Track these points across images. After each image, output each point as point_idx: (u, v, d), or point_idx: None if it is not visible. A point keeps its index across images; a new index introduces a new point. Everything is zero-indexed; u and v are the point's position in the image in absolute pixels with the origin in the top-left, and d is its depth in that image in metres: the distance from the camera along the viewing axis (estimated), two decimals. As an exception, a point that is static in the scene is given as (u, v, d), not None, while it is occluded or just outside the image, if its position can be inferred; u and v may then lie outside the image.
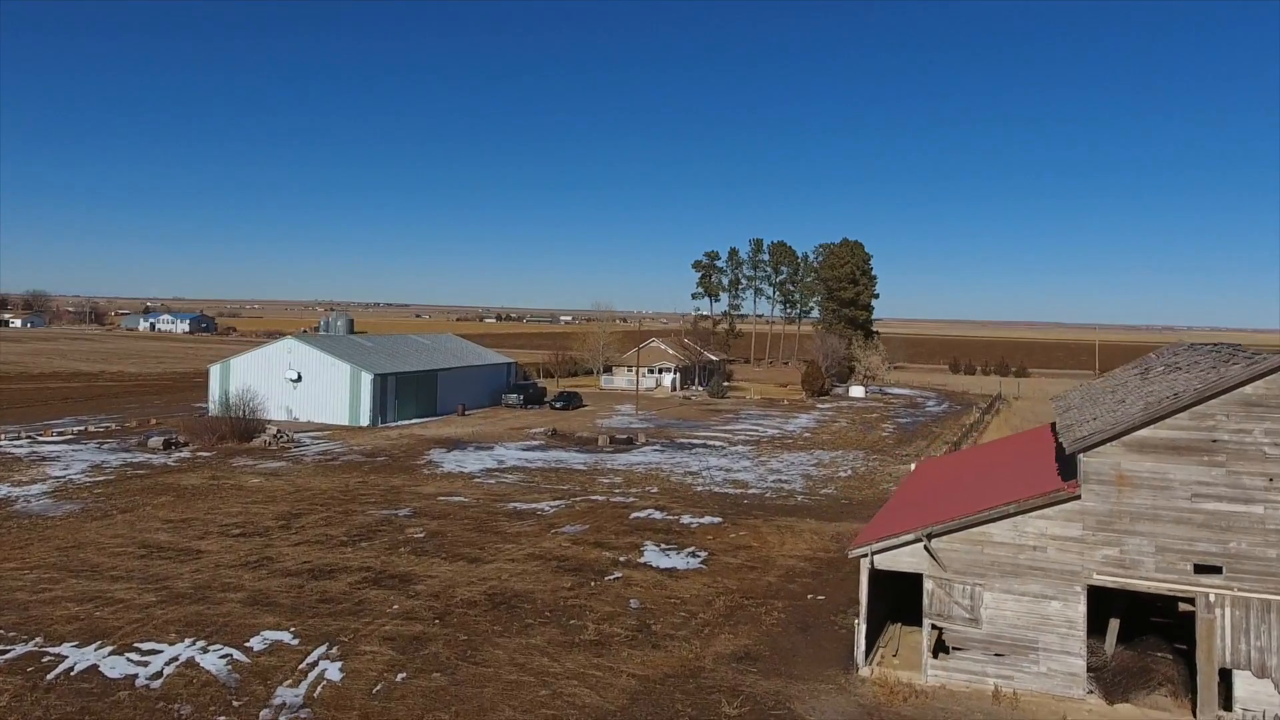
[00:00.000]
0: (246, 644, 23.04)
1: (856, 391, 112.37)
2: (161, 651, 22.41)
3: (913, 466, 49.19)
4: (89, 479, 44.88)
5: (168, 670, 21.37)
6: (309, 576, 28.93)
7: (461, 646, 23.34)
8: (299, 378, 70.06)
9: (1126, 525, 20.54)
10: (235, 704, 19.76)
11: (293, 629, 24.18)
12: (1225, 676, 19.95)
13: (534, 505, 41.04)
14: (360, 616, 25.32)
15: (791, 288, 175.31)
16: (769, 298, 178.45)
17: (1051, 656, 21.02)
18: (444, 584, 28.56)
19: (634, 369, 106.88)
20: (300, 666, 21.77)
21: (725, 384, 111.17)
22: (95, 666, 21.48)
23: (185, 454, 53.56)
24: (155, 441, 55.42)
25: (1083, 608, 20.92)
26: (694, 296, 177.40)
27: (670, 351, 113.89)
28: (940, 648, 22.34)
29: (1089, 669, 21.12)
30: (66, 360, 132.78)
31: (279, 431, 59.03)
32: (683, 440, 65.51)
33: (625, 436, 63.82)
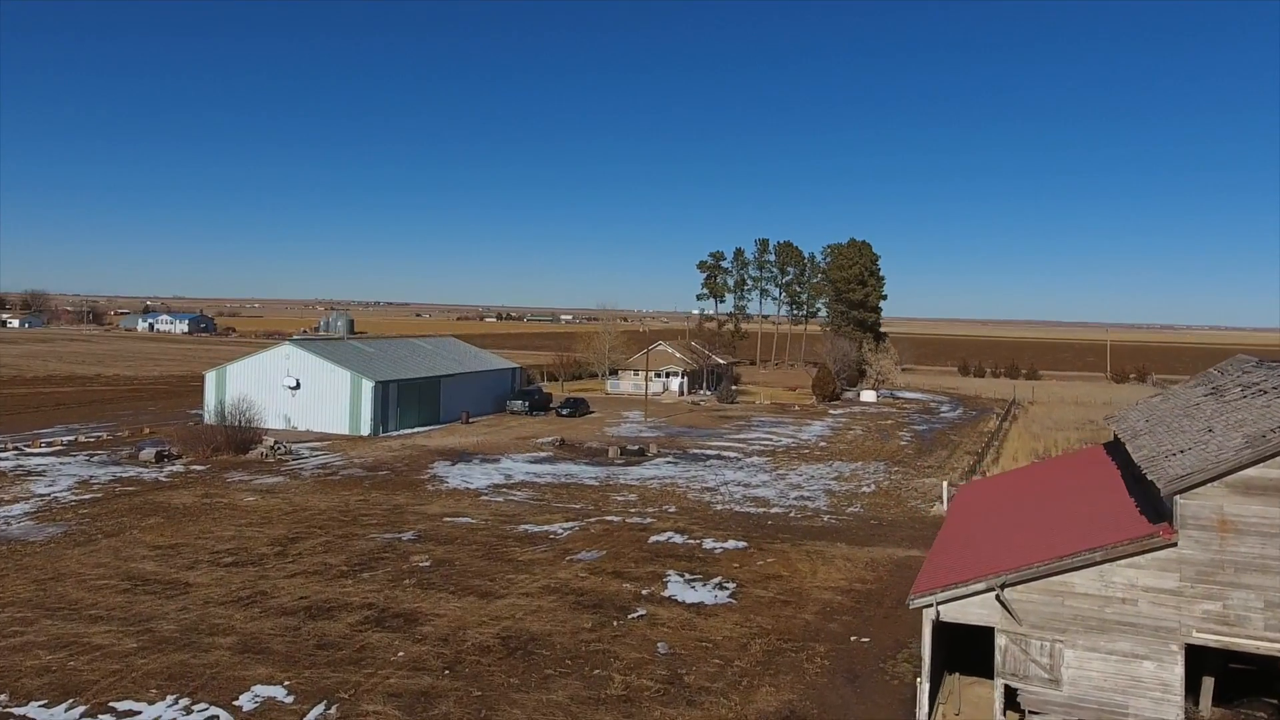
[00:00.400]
0: (235, 702, 20.63)
1: (868, 396, 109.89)
2: (139, 714, 20.00)
3: (945, 487, 46.85)
4: (75, 497, 42.49)
5: (146, 737, 19.00)
6: (306, 616, 26.52)
7: (475, 705, 20.93)
8: (297, 385, 67.61)
9: (1231, 577, 18.13)
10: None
11: (288, 682, 21.77)
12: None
13: (546, 528, 38.61)
14: (362, 666, 22.90)
15: (798, 289, 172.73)
16: (775, 299, 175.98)
17: (1142, 723, 18.61)
18: (453, 624, 26.15)
19: (641, 373, 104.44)
20: (295, 731, 19.39)
21: (734, 388, 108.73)
22: (64, 732, 19.11)
23: (178, 467, 51.15)
24: (147, 453, 53.02)
25: (1180, 669, 18.52)
26: (699, 298, 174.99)
27: (677, 355, 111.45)
28: (1010, 705, 19.96)
29: (1184, 737, 18.74)
30: (62, 363, 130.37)
31: (276, 443, 56.61)
32: (696, 451, 63.07)
33: (637, 448, 61.39)
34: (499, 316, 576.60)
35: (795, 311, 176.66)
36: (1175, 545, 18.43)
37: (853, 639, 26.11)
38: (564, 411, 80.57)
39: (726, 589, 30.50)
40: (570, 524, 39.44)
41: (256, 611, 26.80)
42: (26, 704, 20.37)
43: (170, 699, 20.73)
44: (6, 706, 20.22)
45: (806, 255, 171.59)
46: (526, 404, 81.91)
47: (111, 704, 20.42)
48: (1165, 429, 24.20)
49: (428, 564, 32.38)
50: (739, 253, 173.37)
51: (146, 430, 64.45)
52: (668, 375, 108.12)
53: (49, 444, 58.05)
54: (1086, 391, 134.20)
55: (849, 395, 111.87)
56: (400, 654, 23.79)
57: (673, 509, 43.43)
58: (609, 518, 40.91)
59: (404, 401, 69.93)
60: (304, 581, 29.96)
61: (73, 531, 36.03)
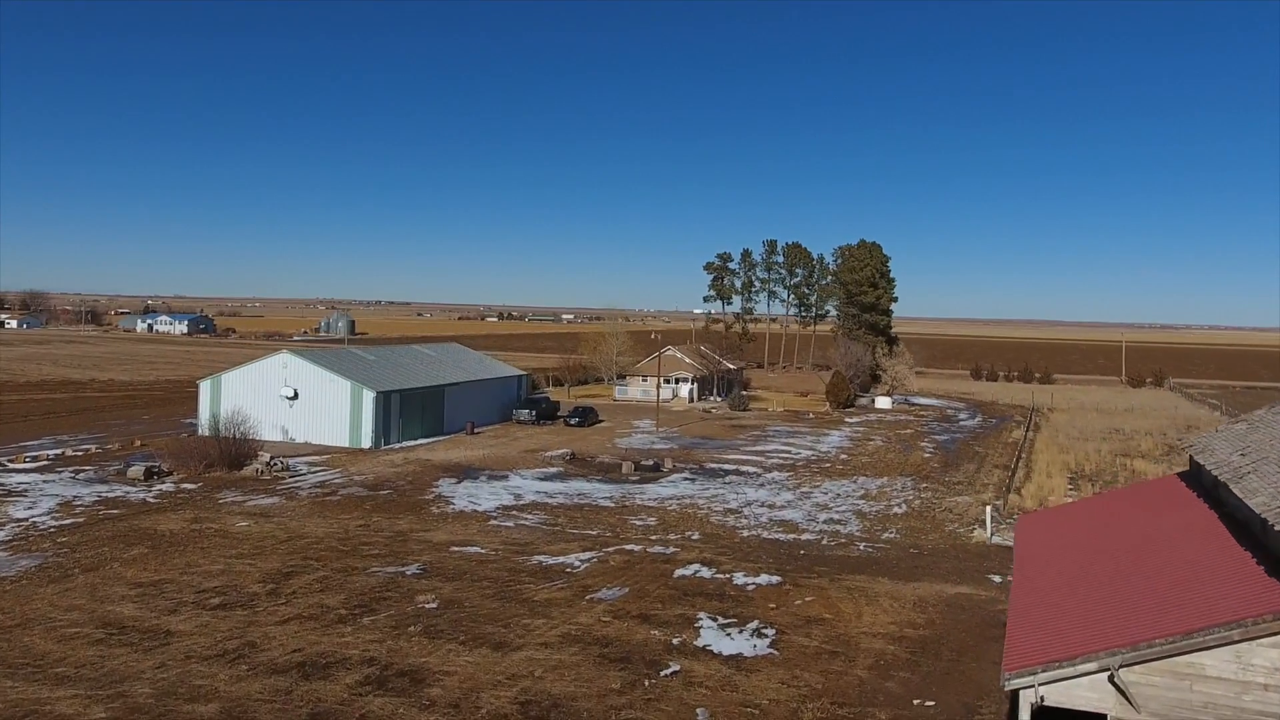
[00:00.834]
0: (214, 794, 17.72)
1: (883, 403, 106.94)
2: (100, 812, 17.10)
3: (989, 511, 43.84)
4: (55, 522, 39.60)
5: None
6: (299, 675, 23.56)
7: (493, 796, 18.01)
8: (295, 395, 64.69)
9: (1400, 662, 15.17)
10: None
11: (275, 765, 18.85)
12: None
13: (562, 559, 35.67)
14: (362, 743, 19.99)
15: (807, 290, 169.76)
16: (783, 300, 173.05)
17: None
18: (464, 685, 23.21)
19: (650, 378, 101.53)
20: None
21: (744, 394, 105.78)
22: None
23: (168, 486, 48.25)
24: (136, 470, 50.10)
25: (1335, 771, 15.55)
26: (706, 299, 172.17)
27: (687, 360, 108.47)
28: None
29: None
30: (57, 366, 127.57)
31: (272, 459, 53.69)
32: (713, 466, 60.13)
33: (651, 463, 58.44)
34: (500, 316, 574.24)
35: (804, 313, 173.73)
36: (1330, 623, 15.46)
37: (915, 702, 23.16)
38: (572, 421, 77.65)
39: (765, 636, 27.56)
40: (588, 554, 36.49)
41: (244, 669, 23.85)
42: (-30, 798, 17.48)
43: (138, 791, 17.82)
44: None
45: (815, 256, 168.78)
46: (533, 413, 79.00)
47: (69, 798, 17.51)
48: (1276, 468, 21.23)
49: (435, 605, 29.43)
50: (746, 254, 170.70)
51: (137, 443, 61.57)
52: (677, 381, 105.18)
53: (34, 458, 55.19)
54: (1105, 397, 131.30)
55: (863, 401, 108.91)
56: (406, 726, 20.86)
57: (696, 536, 40.48)
58: (629, 546, 37.96)
59: (407, 412, 67.03)
60: (298, 628, 27.03)
61: (48, 565, 33.12)
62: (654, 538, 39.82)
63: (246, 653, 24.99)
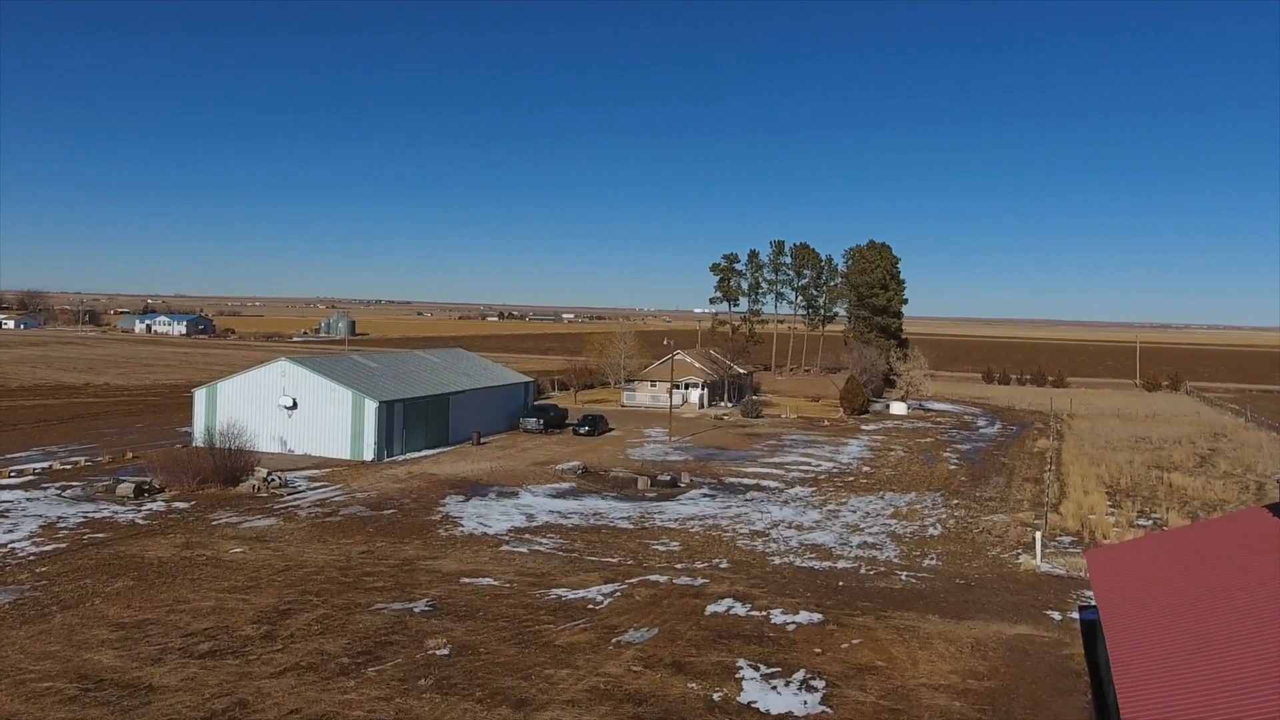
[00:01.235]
0: None
1: (898, 408, 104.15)
2: None
3: (1038, 539, 40.95)
4: (36, 547, 36.84)
5: None
6: (296, 744, 20.80)
7: None
8: (294, 405, 61.89)
9: None
10: None
11: None
12: None
13: (582, 593, 32.88)
14: (368, 838, 17.22)
15: (815, 292, 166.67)
16: (791, 302, 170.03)
17: None
18: (484, 756, 20.44)
19: (659, 383, 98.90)
20: None
21: (755, 399, 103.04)
22: None
23: (159, 504, 45.49)
24: (126, 487, 47.35)
25: None
26: (712, 300, 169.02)
27: (696, 365, 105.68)
28: None
29: None
30: (51, 369, 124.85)
31: (270, 474, 50.91)
32: (732, 480, 57.38)
33: (668, 477, 55.66)
34: (500, 315, 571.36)
35: (812, 315, 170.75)
36: None
37: (997, 777, 20.39)
38: (582, 430, 74.82)
39: (815, 690, 24.77)
40: (610, 586, 33.71)
41: (233, 736, 21.09)
42: None
43: None
44: None
45: (824, 257, 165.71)
46: (541, 422, 76.22)
47: None
48: None
49: (446, 652, 26.65)
50: (754, 255, 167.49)
51: (129, 455, 58.79)
52: (687, 386, 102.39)
53: (19, 472, 52.41)
54: (1123, 402, 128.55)
55: (878, 407, 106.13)
56: (418, 813, 18.09)
57: (724, 564, 37.70)
58: (653, 577, 35.19)
59: (410, 422, 64.26)
60: (295, 682, 24.25)
61: (24, 601, 30.35)
62: (679, 566, 37.05)
63: (237, 715, 22.21)
